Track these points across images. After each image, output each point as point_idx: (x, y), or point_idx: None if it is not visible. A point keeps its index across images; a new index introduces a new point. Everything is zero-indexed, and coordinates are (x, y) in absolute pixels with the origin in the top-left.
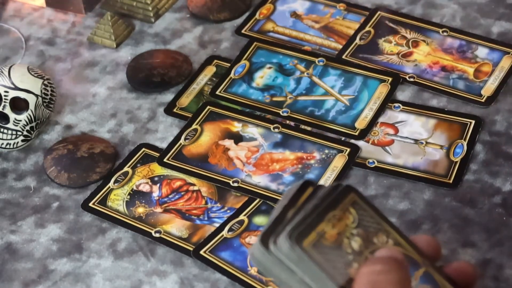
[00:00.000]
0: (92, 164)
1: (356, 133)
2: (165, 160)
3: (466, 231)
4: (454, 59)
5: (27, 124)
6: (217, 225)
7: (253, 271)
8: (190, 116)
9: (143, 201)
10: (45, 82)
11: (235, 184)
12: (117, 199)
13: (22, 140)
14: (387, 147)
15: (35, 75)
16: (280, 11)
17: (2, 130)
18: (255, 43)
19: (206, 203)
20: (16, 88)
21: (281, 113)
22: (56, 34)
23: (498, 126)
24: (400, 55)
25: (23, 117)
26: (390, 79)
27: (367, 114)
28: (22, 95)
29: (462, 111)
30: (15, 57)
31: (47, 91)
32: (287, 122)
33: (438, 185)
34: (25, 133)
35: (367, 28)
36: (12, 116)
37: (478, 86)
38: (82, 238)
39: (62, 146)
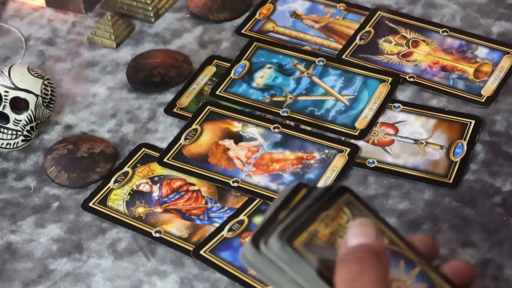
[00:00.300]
0: (92, 164)
1: (356, 133)
2: (165, 160)
3: (466, 231)
4: (454, 59)
5: (27, 124)
6: (217, 225)
7: (253, 271)
8: (190, 116)
9: (143, 201)
10: (45, 82)
11: (235, 184)
12: (117, 199)
13: (22, 140)
14: (387, 147)
15: (35, 75)
16: (280, 11)
17: (2, 130)
18: (255, 43)
19: (206, 203)
20: (16, 88)
21: (281, 113)
22: (56, 34)
23: (498, 126)
24: (400, 55)
25: (23, 117)
26: (390, 79)
27: (367, 114)
28: (22, 95)
29: (462, 111)
30: (15, 57)
31: (47, 91)
32: (287, 122)
33: (438, 185)
34: (25, 133)
35: (367, 28)
36: (12, 116)
37: (478, 86)
38: (82, 238)
39: (62, 146)
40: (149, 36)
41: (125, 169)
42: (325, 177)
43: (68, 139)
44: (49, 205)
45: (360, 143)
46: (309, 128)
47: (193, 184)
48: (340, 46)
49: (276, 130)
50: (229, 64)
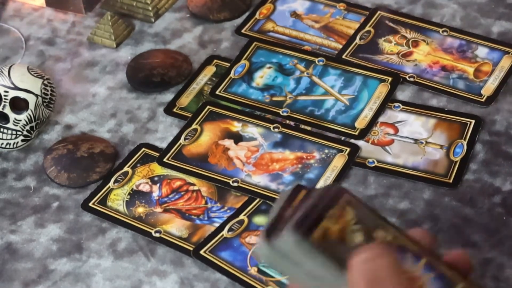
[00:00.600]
0: (92, 164)
1: (356, 133)
2: (165, 160)
3: (466, 231)
4: (454, 59)
5: (27, 124)
6: (217, 225)
7: (253, 271)
8: (190, 116)
9: (143, 201)
10: (45, 82)
11: (235, 184)
12: (117, 199)
13: (22, 140)
14: (387, 147)
15: (35, 75)
16: (280, 10)
17: (2, 130)
18: (255, 43)
19: (206, 203)
20: (16, 88)
21: (281, 113)
22: (56, 34)
23: (498, 126)
24: (400, 55)
25: (23, 117)
26: (390, 78)
27: (367, 114)
28: (22, 95)
29: (462, 110)
30: (15, 57)
31: (47, 91)
32: (287, 122)
33: (438, 185)
34: (25, 133)
35: (367, 28)
36: (12, 116)
37: (478, 85)
38: (82, 238)
39: (62, 146)
40: (149, 36)
41: (125, 169)
42: (325, 177)
43: (68, 139)
44: (49, 205)
45: (360, 142)
46: (309, 128)
47: (193, 184)
48: (340, 46)
49: (276, 130)
50: (229, 64)
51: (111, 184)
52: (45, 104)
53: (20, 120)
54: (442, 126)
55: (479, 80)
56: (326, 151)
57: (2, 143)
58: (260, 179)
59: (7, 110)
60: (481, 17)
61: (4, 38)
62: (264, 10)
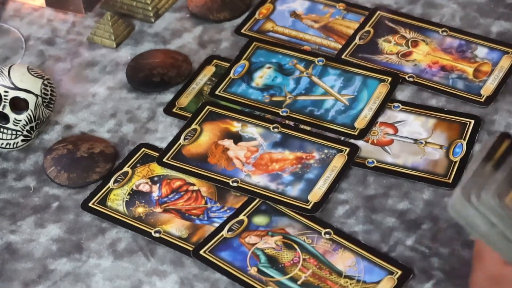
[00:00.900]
0: (92, 164)
1: (356, 133)
2: (164, 160)
3: (466, 231)
4: (454, 59)
5: (27, 124)
6: (216, 225)
7: (252, 271)
8: (190, 116)
9: (143, 201)
10: (45, 82)
11: (235, 184)
12: (117, 199)
13: (22, 140)
14: (386, 147)
15: (35, 75)
16: (279, 10)
17: (2, 130)
18: (254, 43)
19: (206, 203)
20: (16, 88)
21: (280, 113)
22: (56, 34)
23: (497, 125)
24: (399, 55)
25: (23, 117)
26: (390, 78)
27: (367, 114)
28: (22, 95)
29: (461, 110)
30: (15, 57)
31: (47, 91)
32: (287, 122)
33: (438, 185)
34: (25, 133)
35: (366, 28)
36: (12, 116)
37: (478, 85)
38: (82, 238)
39: (62, 146)
40: (149, 36)
41: (125, 169)
42: (325, 177)
43: (67, 139)
44: (49, 205)
45: (360, 142)
46: (308, 128)
47: (193, 184)
48: (340, 46)
49: (276, 130)
50: (228, 64)
51: (111, 184)
52: (45, 104)
53: (20, 120)
54: (442, 126)
55: (479, 80)
56: (326, 151)
57: (2, 143)
58: (259, 179)
59: (7, 110)
60: (481, 17)
61: (4, 38)
62: (264, 10)
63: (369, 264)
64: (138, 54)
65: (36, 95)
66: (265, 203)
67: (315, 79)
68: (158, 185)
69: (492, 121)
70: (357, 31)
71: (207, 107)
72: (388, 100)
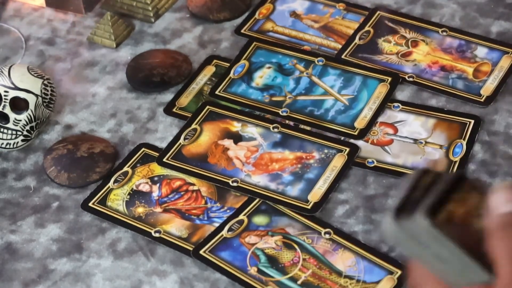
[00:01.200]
0: (92, 164)
1: (356, 133)
2: (164, 160)
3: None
4: (454, 59)
5: (27, 124)
6: (216, 225)
7: (252, 271)
8: (190, 116)
9: (143, 201)
10: (45, 82)
11: (235, 184)
12: (117, 199)
13: (22, 140)
14: (386, 147)
15: (35, 75)
16: (279, 10)
17: (2, 130)
18: (254, 43)
19: (206, 203)
20: (16, 88)
21: (280, 113)
22: (56, 34)
23: (496, 125)
24: (399, 55)
25: (23, 117)
26: (390, 78)
27: (367, 114)
28: (22, 95)
29: (461, 110)
30: (15, 57)
31: (47, 91)
32: (287, 121)
33: None
34: (25, 133)
35: (366, 28)
36: (12, 116)
37: (477, 85)
38: (82, 238)
39: (62, 146)
40: (149, 36)
41: (125, 169)
42: (325, 176)
43: (68, 139)
44: (49, 205)
45: (360, 142)
46: (308, 128)
47: (193, 184)
48: (340, 46)
49: (276, 130)
50: (228, 64)
51: (111, 184)
52: (45, 104)
53: (20, 120)
54: (442, 126)
55: (478, 80)
56: (326, 151)
57: (2, 143)
58: (259, 179)
59: (7, 110)
60: (480, 17)
61: (4, 38)
62: (264, 10)
63: (369, 264)
64: (138, 54)
65: (36, 95)
66: (265, 203)
67: (315, 79)
68: (158, 185)
69: (492, 121)
70: (357, 31)
71: (207, 107)
72: (388, 100)
